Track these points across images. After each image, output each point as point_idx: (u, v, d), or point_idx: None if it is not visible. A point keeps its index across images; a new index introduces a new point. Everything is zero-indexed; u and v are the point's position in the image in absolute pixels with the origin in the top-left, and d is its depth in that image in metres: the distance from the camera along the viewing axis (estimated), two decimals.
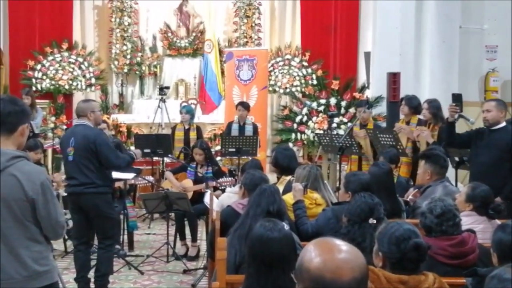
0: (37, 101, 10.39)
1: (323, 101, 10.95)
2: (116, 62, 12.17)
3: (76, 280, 5.63)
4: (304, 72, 11.96)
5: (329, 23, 12.08)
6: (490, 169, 5.59)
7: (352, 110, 10.59)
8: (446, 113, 7.00)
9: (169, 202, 6.64)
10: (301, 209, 4.68)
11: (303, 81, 11.91)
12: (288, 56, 12.10)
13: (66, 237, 7.03)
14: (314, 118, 10.89)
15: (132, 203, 7.64)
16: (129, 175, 7.08)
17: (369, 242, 3.54)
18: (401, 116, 7.75)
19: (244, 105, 9.34)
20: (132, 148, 6.02)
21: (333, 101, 10.85)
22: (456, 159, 6.52)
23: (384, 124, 9.27)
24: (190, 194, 7.09)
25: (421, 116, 7.24)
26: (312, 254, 1.77)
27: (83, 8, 12.39)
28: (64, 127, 10.75)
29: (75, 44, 12.16)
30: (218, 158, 9.11)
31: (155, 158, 9.02)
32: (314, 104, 10.97)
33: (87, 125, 5.50)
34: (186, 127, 9.18)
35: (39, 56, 11.87)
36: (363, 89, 11.03)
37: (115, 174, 6.17)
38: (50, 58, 11.89)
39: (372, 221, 3.68)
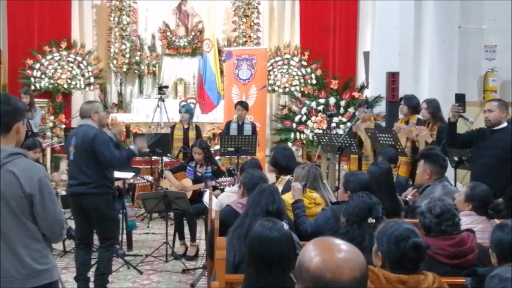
0: (36, 100, 10.38)
1: (322, 100, 10.95)
2: (115, 61, 12.16)
3: (76, 279, 5.62)
4: (303, 72, 11.96)
5: (328, 22, 12.08)
6: (492, 170, 5.55)
7: (351, 109, 10.59)
8: (445, 113, 7.03)
9: (168, 201, 6.64)
10: (300, 209, 4.68)
11: (302, 80, 11.91)
12: (287, 56, 12.10)
13: (65, 236, 7.03)
14: (313, 118, 10.89)
15: (131, 202, 7.63)
16: (128, 174, 7.08)
17: (369, 242, 3.53)
18: (400, 116, 7.75)
19: (243, 105, 9.34)
20: (132, 147, 5.96)
21: (332, 100, 10.85)
22: (455, 158, 6.51)
23: (383, 124, 9.27)
24: (189, 194, 7.09)
25: (420, 116, 7.24)
26: (312, 253, 1.77)
27: (82, 7, 12.38)
28: (63, 126, 10.74)
29: (74, 43, 12.16)
30: (217, 158, 9.10)
31: (154, 158, 9.01)
32: (313, 104, 10.97)
33: (90, 125, 5.51)
34: (185, 126, 9.17)
35: (38, 55, 11.86)
36: (362, 88, 11.03)
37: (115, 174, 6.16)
38: (49, 57, 11.88)
39: (371, 220, 3.68)
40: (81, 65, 11.98)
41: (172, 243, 7.17)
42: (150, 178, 8.10)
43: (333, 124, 10.20)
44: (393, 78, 9.61)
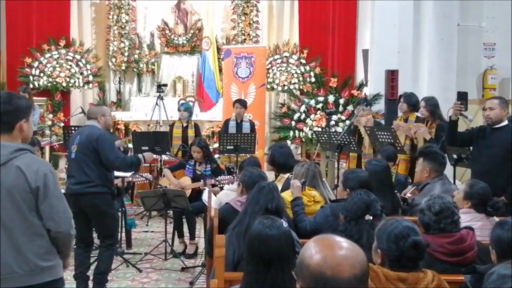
0: (35, 98, 10.40)
1: (321, 98, 10.94)
2: (113, 60, 12.15)
3: (75, 277, 5.62)
4: (302, 70, 11.95)
5: (327, 20, 12.08)
6: (493, 168, 5.54)
7: (350, 107, 10.59)
8: (444, 111, 7.03)
9: (167, 199, 6.64)
10: (299, 206, 4.68)
11: (301, 78, 11.91)
12: (286, 54, 12.09)
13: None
14: (312, 116, 10.88)
15: (130, 201, 7.63)
16: (126, 173, 7.07)
17: (366, 239, 3.54)
18: (399, 114, 7.75)
19: (241, 103, 9.33)
20: (140, 156, 5.99)
21: (331, 98, 10.84)
22: (454, 156, 6.50)
23: (382, 122, 9.26)
24: (188, 192, 7.10)
25: (418, 114, 7.24)
26: (312, 251, 1.77)
27: (81, 5, 12.36)
28: (62, 124, 10.73)
29: (73, 41, 12.14)
30: (216, 156, 9.10)
31: (154, 156, 8.99)
32: (312, 102, 10.96)
33: (95, 126, 5.57)
34: (184, 124, 9.16)
35: (36, 53, 11.85)
36: (361, 86, 11.03)
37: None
38: (47, 55, 11.87)
39: (368, 217, 3.68)
40: (80, 63, 11.96)
41: (171, 241, 7.17)
42: (149, 176, 8.09)
43: (332, 122, 10.18)
44: (392, 76, 9.61)
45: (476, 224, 4.01)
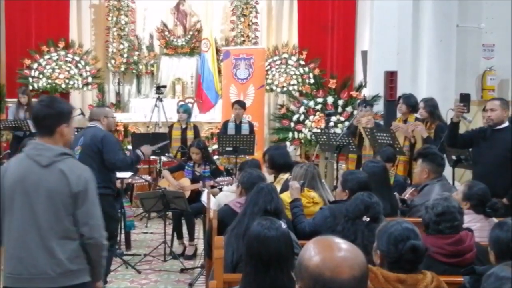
0: (34, 100, 10.37)
1: (320, 100, 10.95)
2: (113, 61, 12.14)
3: None
4: (301, 71, 11.95)
5: (326, 22, 12.09)
6: (495, 170, 5.52)
7: (349, 109, 10.60)
8: (443, 112, 7.03)
9: (166, 201, 6.63)
10: (298, 208, 4.68)
11: (300, 80, 11.91)
12: (285, 55, 12.09)
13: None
14: (311, 117, 10.89)
15: (129, 202, 7.62)
16: (126, 174, 7.07)
17: (361, 240, 3.55)
18: (398, 115, 7.75)
19: (240, 104, 9.34)
20: (138, 152, 5.98)
21: (330, 100, 10.85)
22: (454, 157, 6.49)
23: (381, 123, 9.27)
24: (187, 193, 7.09)
25: (418, 115, 7.24)
26: (311, 252, 1.77)
27: (80, 6, 12.35)
28: None
29: (72, 42, 12.14)
30: (215, 157, 9.10)
31: (152, 157, 9.00)
32: (311, 103, 10.96)
33: (99, 127, 5.60)
34: (183, 126, 9.16)
35: (35, 55, 11.85)
36: (360, 88, 11.03)
37: None
38: (46, 57, 11.87)
39: (365, 218, 3.68)
40: (79, 64, 11.96)
41: (171, 243, 7.16)
42: (148, 177, 8.09)
43: (331, 123, 10.20)
44: (391, 77, 9.61)
45: (475, 225, 4.01)
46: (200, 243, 7.24)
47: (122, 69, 12.17)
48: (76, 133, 7.87)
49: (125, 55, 12.14)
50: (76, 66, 11.94)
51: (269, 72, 11.96)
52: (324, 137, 8.01)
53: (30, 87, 11.27)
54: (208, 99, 11.70)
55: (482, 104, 9.14)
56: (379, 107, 9.99)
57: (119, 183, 6.99)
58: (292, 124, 11.03)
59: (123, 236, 7.16)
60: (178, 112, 9.32)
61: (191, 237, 7.13)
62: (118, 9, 12.11)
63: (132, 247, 7.31)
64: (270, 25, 12.59)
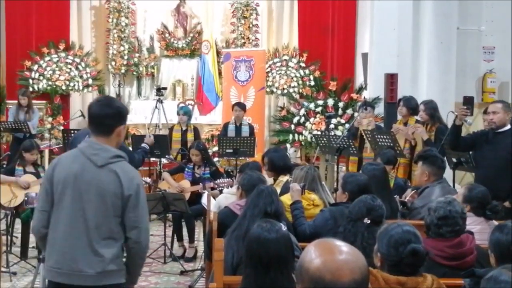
0: (34, 101, 10.41)
1: (320, 102, 10.95)
2: (113, 63, 12.14)
3: None
4: (302, 73, 11.95)
5: (326, 24, 12.09)
6: (497, 172, 5.51)
7: (349, 111, 10.60)
8: (443, 114, 7.03)
9: (166, 203, 6.63)
10: (298, 210, 4.68)
11: (300, 82, 11.90)
12: (286, 57, 12.09)
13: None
14: (311, 119, 10.89)
15: None
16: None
17: (360, 242, 3.55)
18: (399, 117, 7.75)
19: (240, 106, 9.34)
20: (143, 145, 5.99)
21: (330, 102, 10.85)
22: (454, 160, 6.49)
23: (382, 125, 9.27)
24: (187, 195, 7.09)
25: (418, 117, 7.24)
26: (312, 254, 1.76)
27: (80, 8, 12.35)
28: (61, 127, 10.72)
29: (72, 44, 12.14)
30: (215, 159, 9.10)
31: (152, 159, 9.00)
32: (312, 105, 10.97)
33: None
34: (184, 128, 9.16)
35: (36, 56, 11.85)
36: (360, 90, 11.03)
37: None
38: (47, 58, 11.86)
39: (366, 220, 3.68)
40: (79, 66, 11.95)
41: (171, 245, 7.16)
42: (148, 179, 8.08)
43: (332, 126, 10.20)
44: (391, 80, 9.61)
45: (475, 228, 4.00)
46: (200, 245, 7.23)
47: (123, 71, 12.17)
48: (73, 133, 7.91)
49: (126, 57, 12.13)
50: (77, 68, 11.94)
51: (270, 74, 11.96)
52: (325, 139, 8.00)
53: (30, 89, 11.27)
54: (208, 101, 11.71)
55: (482, 106, 9.15)
56: (379, 109, 9.98)
57: None
58: (293, 126, 11.04)
59: None
60: (178, 114, 9.32)
61: (191, 239, 7.13)
62: (118, 10, 12.11)
63: None
64: (270, 27, 12.59)
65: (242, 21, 12.08)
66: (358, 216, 3.73)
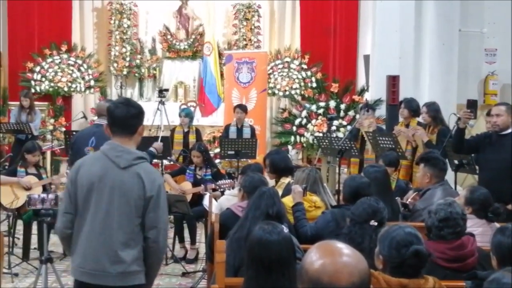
0: (36, 103, 10.39)
1: (322, 104, 10.95)
2: (115, 64, 12.15)
3: None
4: (304, 75, 11.94)
5: (328, 25, 12.08)
6: (501, 175, 5.49)
7: (351, 113, 10.60)
8: (445, 116, 7.03)
9: (168, 204, 6.59)
10: (300, 211, 4.68)
11: (302, 83, 11.90)
12: (288, 59, 12.08)
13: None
14: (313, 121, 10.89)
15: None
16: None
17: (368, 243, 3.54)
18: (400, 119, 7.75)
19: (242, 108, 9.35)
20: (151, 149, 5.97)
21: (332, 104, 10.85)
22: (456, 162, 6.49)
23: (383, 127, 9.27)
24: (189, 197, 7.09)
25: (420, 120, 7.23)
26: (313, 256, 1.76)
27: (82, 10, 12.37)
28: (63, 129, 10.74)
29: (74, 46, 12.15)
30: (217, 161, 9.09)
31: (154, 161, 8.98)
32: (314, 107, 10.97)
33: None
34: (185, 130, 9.16)
35: (38, 58, 11.86)
36: (362, 92, 11.03)
37: None
38: (49, 60, 11.88)
39: (373, 223, 3.69)
40: (82, 68, 11.97)
41: (172, 246, 7.16)
42: None
43: (333, 127, 10.20)
44: (393, 82, 9.60)
45: (477, 230, 4.01)
46: (201, 247, 7.23)
47: (125, 72, 12.18)
48: (74, 132, 7.90)
49: (128, 59, 12.15)
50: (79, 70, 11.95)
51: (271, 76, 11.95)
52: (326, 141, 8.01)
53: (33, 90, 11.27)
54: (210, 103, 11.72)
55: (484, 108, 9.16)
56: (381, 111, 9.99)
57: None
58: (294, 128, 11.03)
59: None
60: (180, 116, 9.33)
61: (193, 241, 7.12)
62: (120, 12, 12.12)
63: None
64: (272, 29, 12.60)
65: (244, 23, 12.09)
66: (364, 218, 3.73)
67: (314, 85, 11.73)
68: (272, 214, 3.88)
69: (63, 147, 10.10)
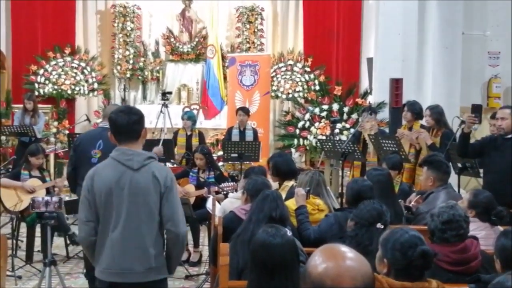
0: (40, 106, 10.41)
1: (325, 106, 10.95)
2: (118, 67, 12.19)
3: (85, 275, 5.59)
4: (307, 78, 11.96)
5: (331, 28, 12.10)
6: (506, 178, 5.47)
7: (354, 116, 10.60)
8: (449, 119, 7.02)
9: None
10: (303, 214, 4.68)
11: (305, 86, 11.91)
12: (291, 62, 12.10)
13: (68, 242, 7.03)
14: (316, 124, 10.89)
15: None
16: None
17: (375, 246, 3.54)
18: (404, 122, 7.74)
19: (244, 110, 9.35)
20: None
21: (335, 106, 10.85)
22: (459, 165, 6.48)
23: (387, 130, 9.26)
24: (192, 200, 7.09)
25: (424, 123, 7.23)
26: (317, 260, 1.76)
27: (86, 13, 12.41)
28: (67, 132, 10.75)
29: (78, 49, 12.18)
30: (220, 164, 9.09)
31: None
32: (317, 110, 10.97)
33: None
34: (188, 133, 9.16)
35: (41, 61, 11.89)
36: (365, 95, 11.04)
37: None
38: (52, 63, 11.91)
39: (379, 226, 3.69)
40: (85, 71, 12.00)
41: None
42: None
43: (337, 130, 10.20)
44: (396, 84, 9.60)
45: (480, 233, 4.00)
46: (205, 250, 7.22)
47: (128, 75, 12.21)
48: (70, 138, 7.87)
49: (131, 61, 12.18)
50: (82, 72, 11.98)
51: (275, 78, 11.97)
52: (329, 144, 8.00)
53: (36, 93, 11.29)
54: (213, 106, 11.73)
55: (488, 112, 9.14)
56: (384, 114, 9.98)
57: None
58: (298, 131, 11.03)
59: None
60: (182, 119, 9.33)
61: (196, 244, 7.13)
62: (124, 15, 12.16)
63: None
64: (275, 31, 12.62)
65: (247, 26, 12.11)
66: (370, 220, 3.74)
67: (317, 88, 11.74)
68: (276, 217, 3.88)
69: (66, 149, 10.11)
